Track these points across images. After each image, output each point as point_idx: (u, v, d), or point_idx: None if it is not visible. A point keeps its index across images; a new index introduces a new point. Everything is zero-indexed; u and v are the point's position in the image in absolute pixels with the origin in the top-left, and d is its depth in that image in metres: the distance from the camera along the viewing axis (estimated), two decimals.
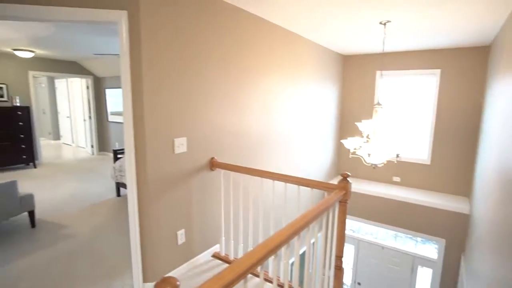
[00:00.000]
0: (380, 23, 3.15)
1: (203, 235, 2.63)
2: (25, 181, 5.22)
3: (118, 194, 4.46)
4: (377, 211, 5.01)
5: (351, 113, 5.50)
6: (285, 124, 3.72)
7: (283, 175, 2.21)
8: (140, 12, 1.89)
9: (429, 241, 5.02)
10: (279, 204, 2.49)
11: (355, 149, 3.24)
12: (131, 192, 2.10)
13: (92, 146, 7.73)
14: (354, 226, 5.60)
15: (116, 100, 7.20)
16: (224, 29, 2.57)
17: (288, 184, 2.22)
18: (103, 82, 7.45)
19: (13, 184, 3.17)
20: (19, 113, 5.90)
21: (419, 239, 5.16)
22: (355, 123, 3.64)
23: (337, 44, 4.39)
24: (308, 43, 4.00)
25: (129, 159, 2.05)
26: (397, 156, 3.02)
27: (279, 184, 2.30)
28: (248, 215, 2.61)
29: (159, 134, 2.12)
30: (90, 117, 7.59)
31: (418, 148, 4.98)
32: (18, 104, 6.00)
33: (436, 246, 4.78)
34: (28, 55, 5.50)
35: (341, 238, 1.99)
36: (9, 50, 5.47)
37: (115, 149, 4.55)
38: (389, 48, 4.62)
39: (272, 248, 1.14)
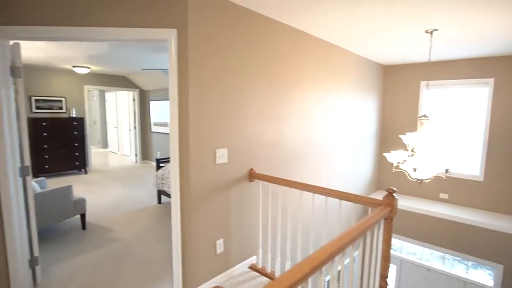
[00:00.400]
0: (426, 31, 3.02)
1: (241, 246, 2.64)
2: (77, 186, 5.67)
3: (159, 202, 4.66)
4: (422, 230, 4.69)
5: (393, 126, 5.28)
6: (323, 135, 3.66)
7: (324, 188, 2.16)
8: (188, 30, 2.01)
9: (482, 266, 4.57)
10: (319, 217, 2.44)
11: (398, 163, 3.09)
12: (174, 201, 2.19)
13: (136, 155, 8.21)
14: (396, 245, 5.27)
15: (159, 111, 7.61)
16: (263, 42, 2.63)
17: (328, 198, 2.17)
18: (148, 94, 7.94)
19: (68, 189, 3.46)
20: (75, 123, 6.47)
21: (470, 263, 4.72)
22: (399, 135, 3.49)
23: (378, 54, 4.28)
24: (347, 54, 3.95)
25: (173, 169, 2.15)
26: (447, 171, 2.82)
27: (319, 198, 2.26)
28: (287, 227, 2.59)
29: (202, 145, 2.21)
30: (135, 127, 8.09)
31: (469, 163, 4.61)
32: (74, 115, 6.61)
33: (491, 272, 4.33)
34: (85, 71, 6.05)
35: (386, 257, 1.89)
36: (69, 67, 6.07)
37: (158, 158, 4.78)
38: (436, 57, 4.40)
39: (317, 265, 1.11)
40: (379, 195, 5.17)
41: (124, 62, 5.46)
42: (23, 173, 2.27)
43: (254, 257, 2.77)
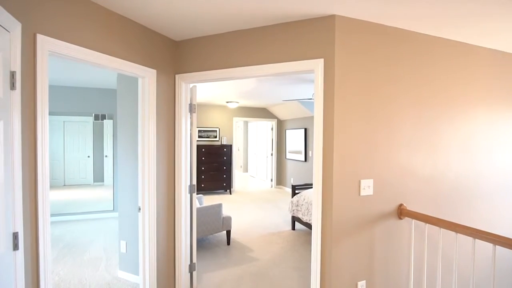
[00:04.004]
0: None
1: None
2: (224, 203, 6.49)
3: (293, 228, 4.71)
4: None
5: None
6: (497, 169, 2.85)
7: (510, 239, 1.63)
8: (335, 58, 2.01)
9: None
10: (502, 279, 1.85)
11: None
12: (315, 232, 2.12)
13: (271, 180, 8.76)
14: None
15: (293, 140, 7.95)
16: (415, 61, 2.34)
17: None
18: (284, 124, 8.48)
19: (219, 206, 3.96)
20: (225, 150, 7.56)
21: None
22: None
23: None
24: None
25: (316, 198, 2.11)
26: None
27: (503, 251, 1.71)
28: (451, 285, 2.07)
29: (346, 174, 2.09)
30: (272, 154, 8.72)
31: None
32: (224, 143, 7.74)
33: None
34: (234, 105, 7.07)
35: None
36: (223, 103, 7.25)
37: (294, 184, 4.91)
38: None
39: None
40: None
41: (266, 95, 6.07)
42: (190, 190, 2.75)
43: None
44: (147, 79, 2.32)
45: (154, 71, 2.38)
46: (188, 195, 2.72)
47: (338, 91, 2.04)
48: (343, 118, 2.07)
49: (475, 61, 2.64)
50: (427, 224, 2.13)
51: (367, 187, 2.16)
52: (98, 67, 1.99)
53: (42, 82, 1.57)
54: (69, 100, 5.27)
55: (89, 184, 8.66)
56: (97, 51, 1.92)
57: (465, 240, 2.43)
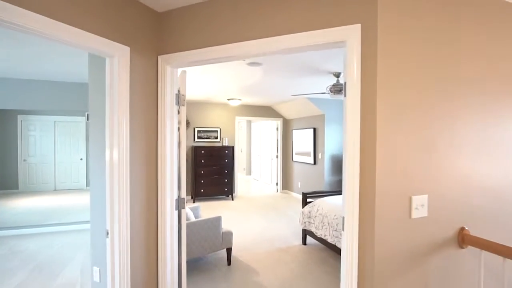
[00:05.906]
0: None
1: None
2: (225, 211, 5.87)
3: (304, 242, 4.09)
4: None
5: None
6: None
7: None
8: (378, 24, 1.40)
9: None
10: None
11: None
12: (348, 273, 1.50)
13: (276, 184, 8.13)
14: None
15: (301, 140, 7.33)
16: (490, 37, 1.71)
17: None
18: (291, 123, 7.85)
19: (218, 220, 3.35)
20: (226, 151, 6.95)
21: None
22: None
23: None
24: None
25: (349, 225, 1.49)
26: None
27: None
28: None
29: (392, 190, 1.47)
30: (277, 156, 8.09)
31: None
32: (226, 144, 7.13)
33: None
34: (237, 103, 6.46)
35: None
36: (224, 100, 6.65)
37: (305, 192, 4.29)
38: None
39: None
40: None
41: (271, 91, 5.46)
42: (178, 205, 2.14)
43: None
44: (116, 58, 1.72)
45: (127, 48, 1.78)
46: (175, 212, 2.12)
47: (382, 72, 1.43)
48: (388, 117, 1.45)
49: None
50: (506, 259, 1.50)
51: (420, 206, 1.54)
52: (40, 36, 1.40)
53: None
54: (58, 97, 4.56)
55: (82, 189, 8.09)
56: (38, 13, 1.32)
57: None
